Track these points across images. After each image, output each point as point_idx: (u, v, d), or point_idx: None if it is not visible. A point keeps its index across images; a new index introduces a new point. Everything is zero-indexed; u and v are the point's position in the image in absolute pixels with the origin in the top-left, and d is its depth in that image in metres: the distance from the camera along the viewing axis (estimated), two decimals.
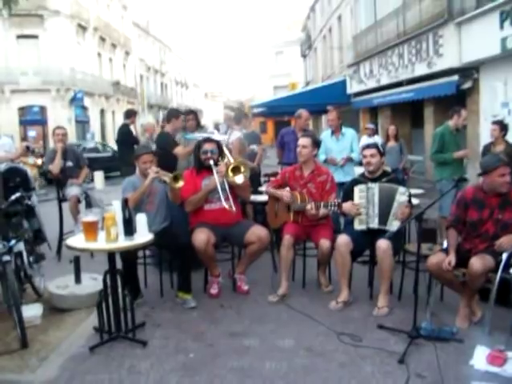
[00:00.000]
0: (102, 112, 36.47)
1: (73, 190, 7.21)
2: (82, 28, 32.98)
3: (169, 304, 5.21)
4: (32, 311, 4.78)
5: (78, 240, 4.33)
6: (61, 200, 7.34)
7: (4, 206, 4.92)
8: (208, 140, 5.67)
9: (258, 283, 5.73)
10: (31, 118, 29.73)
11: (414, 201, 5.95)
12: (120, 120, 39.22)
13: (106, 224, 4.09)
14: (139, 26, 47.62)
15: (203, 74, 79.19)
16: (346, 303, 5.05)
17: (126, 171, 9.94)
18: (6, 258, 4.33)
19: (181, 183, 5.08)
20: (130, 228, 4.23)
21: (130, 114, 10.84)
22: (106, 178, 17.23)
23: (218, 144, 5.64)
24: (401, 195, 5.00)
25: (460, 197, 4.72)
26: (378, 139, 11.86)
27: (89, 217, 4.23)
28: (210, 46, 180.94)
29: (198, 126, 7.41)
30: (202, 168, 5.50)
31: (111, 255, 4.26)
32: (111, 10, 39.33)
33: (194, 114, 7.30)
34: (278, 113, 26.98)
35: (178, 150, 6.43)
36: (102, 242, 4.18)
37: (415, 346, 4.08)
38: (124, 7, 42.92)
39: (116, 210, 4.25)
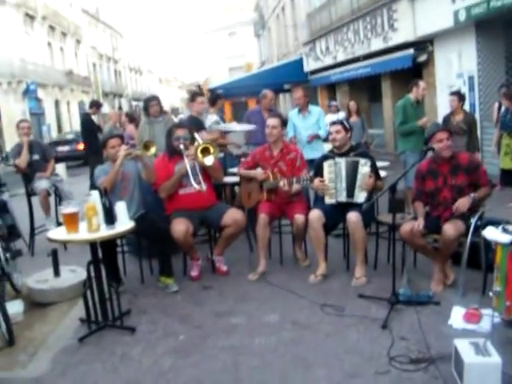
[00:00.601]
0: (57, 103, 35.72)
1: (42, 184, 7.11)
2: (30, 17, 32.08)
3: (151, 290, 5.26)
4: (13, 308, 4.73)
5: (59, 232, 4.34)
6: (29, 194, 7.26)
7: None
8: (179, 126, 5.72)
9: (236, 263, 5.82)
10: None
11: (382, 173, 6.12)
12: (75, 110, 38.77)
13: (87, 214, 4.10)
14: (88, 12, 46.58)
15: (157, 59, 78.41)
16: (324, 276, 5.19)
17: (93, 160, 9.93)
18: None
19: (153, 150, 5.24)
20: (110, 217, 4.25)
21: (92, 105, 10.75)
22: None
23: (190, 130, 5.68)
24: (362, 166, 5.16)
25: (416, 171, 4.93)
26: (342, 115, 12.01)
27: (69, 208, 4.23)
28: (162, 30, 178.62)
29: (162, 111, 7.42)
30: (174, 153, 5.52)
31: (93, 245, 4.28)
32: None
33: (157, 99, 7.29)
34: (236, 94, 26.93)
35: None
36: (83, 233, 4.19)
37: (396, 312, 4.25)
38: None
39: (96, 199, 4.26)
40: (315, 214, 5.19)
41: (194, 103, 7.13)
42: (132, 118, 10.65)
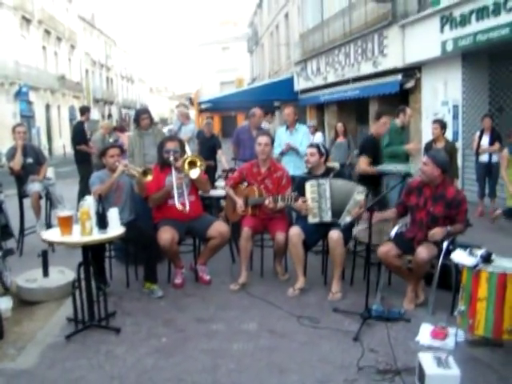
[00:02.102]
0: (48, 107, 35.76)
1: (34, 187, 7.30)
2: (26, 20, 32.21)
3: (135, 294, 5.47)
4: (2, 304, 4.91)
5: (53, 234, 4.56)
6: (21, 196, 7.44)
7: None
8: (170, 139, 5.97)
9: (219, 273, 6.05)
10: None
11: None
12: (65, 115, 38.82)
13: (81, 218, 4.32)
14: (84, 19, 46.82)
15: (149, 69, 78.67)
16: (302, 290, 5.43)
17: (83, 167, 10.13)
18: None
19: (149, 177, 5.36)
20: (103, 222, 4.48)
21: (84, 111, 10.90)
22: None
23: (181, 143, 5.92)
24: (358, 194, 5.36)
25: (408, 184, 5.22)
26: (320, 137, 12.33)
27: (64, 212, 4.45)
28: (156, 41, 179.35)
29: (152, 124, 7.60)
30: (165, 165, 5.76)
31: (85, 248, 4.50)
32: (56, 3, 38.47)
33: (147, 113, 7.45)
34: (226, 108, 27.21)
35: None
36: (77, 236, 4.41)
37: (368, 326, 4.51)
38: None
39: (90, 204, 4.49)
40: (295, 231, 5.43)
41: (380, 123, 6.76)
42: (123, 129, 10.87)
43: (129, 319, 4.81)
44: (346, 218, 5.37)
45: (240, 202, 5.86)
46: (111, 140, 10.36)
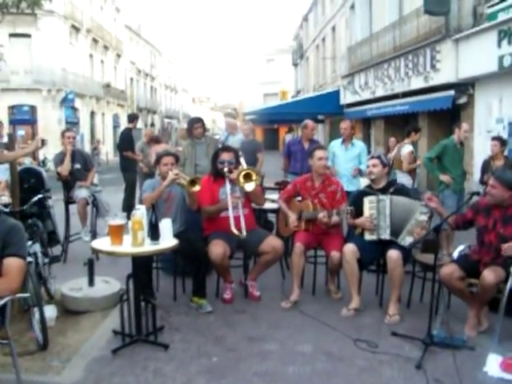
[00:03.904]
0: (92, 114, 36.35)
1: (81, 193, 7.20)
2: (75, 29, 32.91)
3: (183, 308, 5.27)
4: (47, 313, 4.76)
5: (103, 243, 4.40)
6: (68, 202, 7.36)
7: (27, 207, 4.95)
8: (225, 149, 5.77)
9: (268, 289, 5.81)
10: (21, 118, 29.51)
11: None
12: (109, 122, 39.41)
13: (132, 228, 4.14)
14: (131, 28, 47.62)
15: (192, 79, 79.44)
16: (356, 310, 5.15)
17: (129, 174, 10.08)
18: (29, 259, 4.36)
19: (197, 187, 5.16)
20: (156, 233, 4.30)
21: (133, 118, 10.86)
22: None
23: (236, 154, 5.72)
24: (421, 214, 5.08)
25: (476, 201, 4.89)
26: None
27: (115, 220, 4.29)
28: (200, 51, 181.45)
29: (205, 132, 7.51)
30: (219, 176, 5.57)
31: (136, 259, 4.32)
32: (104, 12, 39.30)
33: (201, 121, 7.34)
34: (269, 120, 27.16)
35: None
36: (128, 246, 4.24)
37: (430, 353, 4.20)
38: (117, 9, 42.93)
39: (143, 214, 4.31)
40: (350, 249, 5.18)
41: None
42: (158, 140, 10.72)
43: (177, 335, 4.61)
44: (406, 238, 5.09)
45: (293, 216, 5.63)
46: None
